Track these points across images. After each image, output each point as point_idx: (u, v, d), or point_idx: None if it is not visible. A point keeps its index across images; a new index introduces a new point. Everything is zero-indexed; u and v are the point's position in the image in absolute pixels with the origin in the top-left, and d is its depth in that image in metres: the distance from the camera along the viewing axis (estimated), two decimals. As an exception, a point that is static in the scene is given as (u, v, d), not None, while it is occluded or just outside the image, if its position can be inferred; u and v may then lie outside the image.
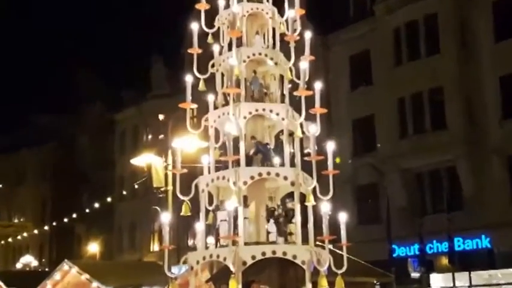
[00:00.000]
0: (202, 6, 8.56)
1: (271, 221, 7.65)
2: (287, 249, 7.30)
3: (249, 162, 7.72)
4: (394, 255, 24.03)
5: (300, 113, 8.05)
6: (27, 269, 40.16)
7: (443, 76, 25.06)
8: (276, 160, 7.92)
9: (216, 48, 8.62)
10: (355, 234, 21.54)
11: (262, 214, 7.87)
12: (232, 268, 7.01)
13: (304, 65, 8.05)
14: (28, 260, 42.58)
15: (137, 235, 39.74)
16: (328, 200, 7.63)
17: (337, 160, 27.92)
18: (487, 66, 24.76)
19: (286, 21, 8.53)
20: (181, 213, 8.00)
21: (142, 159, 18.71)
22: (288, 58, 8.39)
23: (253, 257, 7.13)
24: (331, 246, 7.85)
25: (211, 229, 7.82)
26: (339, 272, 7.36)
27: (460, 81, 24.91)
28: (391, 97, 26.56)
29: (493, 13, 24.81)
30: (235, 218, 7.29)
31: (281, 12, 8.68)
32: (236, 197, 7.42)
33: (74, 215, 37.10)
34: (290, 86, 8.53)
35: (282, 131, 8.18)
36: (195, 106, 8.21)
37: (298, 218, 7.64)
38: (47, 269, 35.30)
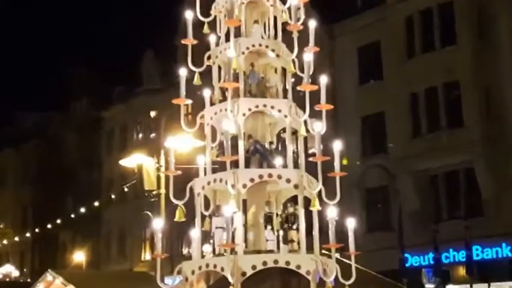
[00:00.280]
0: (198, -7, 8.57)
1: (269, 227, 7.64)
2: (290, 258, 7.29)
3: (246, 163, 7.72)
4: (407, 265, 24.00)
5: (303, 110, 8.04)
6: (7, 279, 40.12)
7: (460, 69, 25.05)
8: (278, 161, 7.92)
9: (212, 38, 8.61)
10: (364, 242, 21.52)
11: (263, 220, 7.86)
12: (230, 279, 7.00)
13: (309, 57, 8.03)
14: (8, 270, 42.54)
15: (127, 243, 39.73)
16: (335, 204, 7.61)
17: (345, 161, 28.03)
18: (507, 58, 24.74)
19: (289, 9, 8.51)
20: (175, 219, 7.98)
21: (132, 160, 18.69)
22: (291, 50, 8.37)
23: (254, 267, 7.12)
24: (338, 255, 7.84)
25: (208, 236, 7.81)
26: (347, 283, 7.35)
27: (478, 74, 24.90)
28: (403, 92, 26.55)
29: (514, 1, 24.81)
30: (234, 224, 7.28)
31: (283, 0, 8.68)
32: (234, 201, 7.41)
33: (58, 221, 37.13)
34: (293, 80, 8.51)
35: (284, 129, 8.17)
36: (189, 102, 8.19)
37: (302, 225, 7.63)
38: (28, 280, 35.26)
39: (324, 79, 7.90)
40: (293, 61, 8.40)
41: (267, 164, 7.86)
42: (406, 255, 23.95)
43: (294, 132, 8.15)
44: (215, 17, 8.65)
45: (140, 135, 39.98)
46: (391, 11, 27.36)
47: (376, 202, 27.99)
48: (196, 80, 8.38)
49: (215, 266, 7.28)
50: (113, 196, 37.03)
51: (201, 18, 8.51)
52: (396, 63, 27.00)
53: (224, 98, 8.16)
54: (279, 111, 8.06)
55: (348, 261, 7.76)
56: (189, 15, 8.23)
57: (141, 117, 39.62)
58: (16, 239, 44.16)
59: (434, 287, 23.92)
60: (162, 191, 16.94)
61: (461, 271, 23.72)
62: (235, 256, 7.16)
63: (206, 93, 8.37)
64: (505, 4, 25.03)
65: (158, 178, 17.46)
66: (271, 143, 8.18)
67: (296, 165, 7.99)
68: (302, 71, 8.12)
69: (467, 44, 25.19)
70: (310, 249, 7.62)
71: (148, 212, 20.58)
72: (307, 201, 7.74)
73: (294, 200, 7.97)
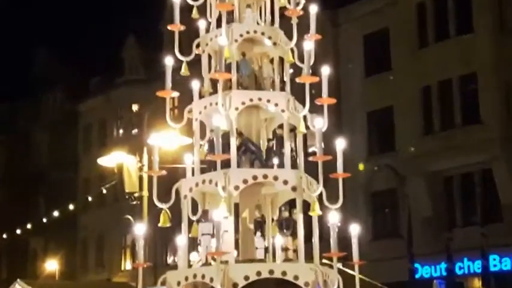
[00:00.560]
0: (186, -26, 8.58)
1: (258, 234, 7.66)
2: (287, 268, 7.33)
3: (237, 163, 7.75)
4: (417, 276, 24.08)
5: (303, 104, 8.07)
6: (-29, 291, 40.04)
7: (477, 60, 25.11)
8: (274, 161, 7.95)
9: (202, 24, 8.62)
10: (370, 251, 21.58)
11: (252, 225, 7.89)
12: (220, 291, 7.03)
13: (309, 45, 8.06)
14: (-28, 281, 42.45)
15: (105, 250, 39.71)
16: (337, 209, 7.65)
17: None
18: (530, 48, 24.80)
19: (288, -9, 8.55)
20: (159, 224, 8.01)
21: (111, 159, 18.69)
22: (290, 37, 8.40)
23: (246, 278, 7.15)
24: (340, 265, 7.88)
25: (195, 243, 7.83)
26: (350, 296, 7.41)
27: (497, 66, 24.95)
28: (413, 85, 26.61)
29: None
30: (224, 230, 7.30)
31: (281, -19, 8.70)
32: (225, 205, 7.44)
33: (29, 226, 37.02)
34: (292, 71, 8.54)
35: (281, 126, 8.19)
36: (176, 94, 8.21)
37: (300, 231, 7.67)
38: (-5, 291, 35.22)
39: (326, 70, 7.93)
40: (292, 50, 8.42)
41: (260, 164, 7.89)
42: (416, 265, 24.02)
43: (292, 129, 8.18)
44: (205, 0, 8.67)
45: (121, 131, 39.95)
46: (401, -5, 27.40)
47: (384, 206, 28.05)
48: (184, 71, 8.40)
49: (203, 277, 7.29)
50: (90, 199, 36.92)
51: (190, 2, 8.52)
52: (406, 53, 27.05)
53: (215, 91, 8.17)
54: (276, 105, 8.09)
55: (351, 272, 7.80)
56: (176, -3, 8.26)
57: (121, 111, 39.58)
58: (-19, 246, 44.00)
59: (447, 301, 23.99)
60: (145, 193, 16.96)
61: (477, 283, 23.80)
62: (226, 265, 7.18)
63: (195, 85, 8.39)
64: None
65: (140, 179, 17.46)
66: (270, 140, 8.21)
67: (294, 165, 8.02)
68: (302, 61, 8.15)
69: (485, 32, 25.23)
70: (309, 258, 7.65)
71: (129, 217, 20.60)
72: (307, 205, 7.77)
73: (290, 203, 8.01)
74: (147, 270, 7.71)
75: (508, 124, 24.70)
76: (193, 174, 8.16)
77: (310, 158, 7.82)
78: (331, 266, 7.63)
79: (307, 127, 8.09)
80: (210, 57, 8.55)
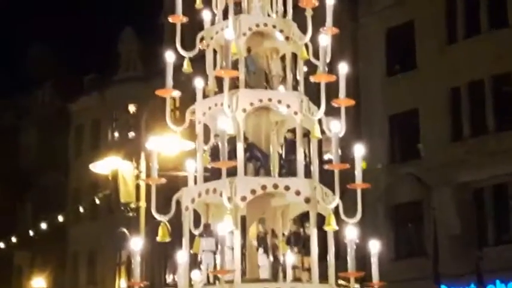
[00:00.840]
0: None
1: (261, 250, 7.63)
2: (299, 289, 7.32)
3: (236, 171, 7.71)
4: (443, 298, 24.00)
5: (318, 106, 8.05)
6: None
7: (513, 58, 25.05)
8: (285, 170, 7.94)
9: (206, 16, 8.62)
10: (391, 271, 21.47)
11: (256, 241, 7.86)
12: (224, 313, 7.02)
13: (325, 40, 8.03)
14: (-50, 299, 42.55)
15: (98, 267, 39.74)
16: (356, 223, 7.62)
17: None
18: None
19: (302, -20, 8.54)
20: (158, 239, 7.99)
21: (105, 165, 18.69)
22: (304, 31, 8.38)
23: (254, 299, 7.16)
24: (358, 287, 7.84)
25: (198, 260, 7.81)
26: (369, 320, 7.37)
27: (535, 65, 24.88)
28: (441, 86, 26.55)
29: None
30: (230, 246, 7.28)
31: (295, -30, 8.70)
32: (231, 218, 7.42)
33: (14, 239, 37.09)
34: (306, 69, 8.52)
35: (293, 130, 8.17)
36: (177, 94, 8.21)
37: (314, 248, 7.65)
38: (-25, 311, 35.29)
39: (343, 68, 7.91)
40: (306, 45, 8.41)
41: (265, 173, 7.86)
42: (442, 287, 23.93)
43: (306, 134, 8.15)
44: (210, -11, 8.68)
45: (116, 134, 40.00)
46: (428, -15, 27.38)
47: (407, 221, 27.95)
48: (186, 67, 8.40)
49: (206, 298, 7.29)
50: (81, 209, 36.99)
51: (193, -9, 8.55)
52: (433, 49, 27.00)
53: (220, 90, 8.17)
54: (288, 106, 8.07)
55: (370, 294, 7.76)
56: (178, -14, 8.28)
57: (117, 111, 39.63)
58: (-39, 260, 44.10)
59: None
60: (142, 203, 16.96)
61: (511, 308, 23.68)
62: (231, 285, 7.16)
63: (198, 83, 8.38)
64: None
65: (137, 188, 17.47)
66: (281, 145, 8.17)
67: (308, 174, 7.99)
68: (317, 57, 8.13)
69: (522, 27, 25.17)
70: (323, 278, 7.62)
71: (124, 230, 20.58)
72: (321, 219, 7.74)
73: (302, 217, 7.97)
74: (143, 290, 7.68)
75: (546, 130, 24.60)
76: (195, 183, 8.15)
77: (326, 166, 7.80)
78: None
79: (322, 131, 8.07)
80: (215, 52, 8.55)
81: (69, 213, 38.16)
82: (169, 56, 8.08)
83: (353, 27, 29.34)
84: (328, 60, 8.07)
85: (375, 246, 7.63)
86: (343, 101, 7.92)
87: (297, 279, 7.59)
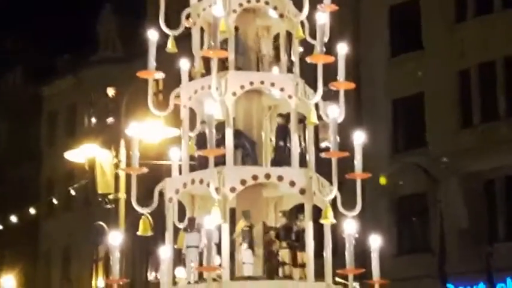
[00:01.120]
0: None
1: (245, 246, 7.66)
2: (294, 287, 7.33)
3: (224, 160, 7.72)
4: (450, 298, 24.11)
5: (315, 89, 8.06)
6: None
7: (527, 38, 25.08)
8: (280, 159, 7.96)
9: (193, -9, 8.62)
10: (394, 268, 21.56)
11: (258, 235, 7.89)
12: (212, 314, 7.07)
13: (323, 18, 8.05)
14: None
15: (73, 264, 39.75)
16: (355, 216, 7.65)
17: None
18: None
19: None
20: (139, 233, 8.01)
21: (81, 153, 18.69)
22: (300, 8, 8.39)
23: (243, 299, 7.20)
24: (357, 285, 7.89)
25: (182, 256, 7.84)
26: (369, 321, 7.43)
27: (551, 46, 24.94)
28: (449, 68, 26.58)
29: None
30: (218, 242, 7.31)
31: None
32: (219, 211, 7.44)
33: (-20, 234, 37.07)
34: (302, 49, 8.53)
35: (288, 115, 8.19)
36: (160, 76, 8.21)
37: (310, 243, 7.68)
38: None
39: (343, 48, 7.92)
40: (302, 23, 8.42)
41: (251, 162, 7.87)
42: (449, 285, 24.03)
43: (302, 120, 8.17)
44: (197, -39, 8.66)
45: (93, 120, 39.94)
46: (436, -42, 27.36)
47: (411, 214, 28.02)
48: (171, 47, 8.40)
49: (191, 297, 7.33)
50: (55, 201, 36.98)
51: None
52: (441, 28, 27.00)
53: (208, 72, 8.17)
54: (282, 90, 8.09)
55: (370, 293, 7.82)
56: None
57: (94, 95, 39.53)
58: None
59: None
60: (122, 195, 16.97)
61: (523, 308, 23.82)
62: (219, 284, 7.19)
63: (183, 64, 8.38)
64: None
65: (116, 178, 17.48)
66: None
67: (303, 163, 8.02)
68: (314, 37, 8.14)
69: (537, 4, 25.21)
70: (320, 275, 7.66)
71: (102, 223, 20.59)
72: (318, 212, 7.77)
73: (297, 209, 8.01)
74: (123, 288, 7.71)
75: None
76: (180, 172, 8.17)
77: (323, 155, 7.82)
78: (346, 286, 7.64)
79: (319, 117, 8.09)
80: (202, 31, 8.55)
81: (42, 205, 38.12)
82: (152, 35, 8.09)
83: (353, 4, 29.32)
84: (326, 40, 8.08)
85: (375, 241, 7.68)
86: (342, 83, 7.94)
87: (286, 276, 7.62)
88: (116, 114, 33.09)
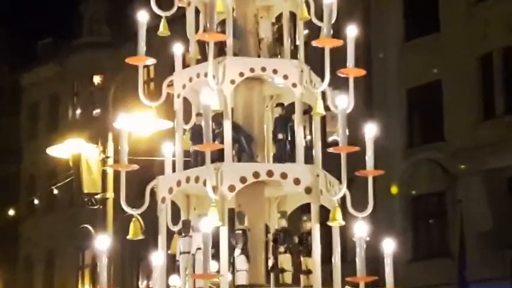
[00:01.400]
0: None
1: (238, 251, 7.65)
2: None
3: (222, 156, 7.72)
4: (471, 307, 24.13)
5: (322, 77, 8.05)
6: None
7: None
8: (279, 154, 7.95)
9: (187, -32, 8.61)
10: (409, 274, 21.58)
11: (259, 239, 7.88)
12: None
13: (331, -3, 8.04)
14: None
15: (56, 270, 39.82)
16: (366, 218, 7.64)
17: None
18: None
19: None
20: (129, 236, 8.01)
21: (65, 148, 18.72)
22: (304, -14, 8.38)
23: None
24: (369, 293, 7.89)
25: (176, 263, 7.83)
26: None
27: None
28: (469, 53, 26.57)
29: None
30: (215, 246, 7.31)
31: None
32: (216, 212, 7.43)
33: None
34: (307, 32, 8.51)
35: (288, 105, 8.18)
36: (151, 62, 8.20)
37: (316, 247, 7.67)
38: None
39: (352, 31, 7.91)
40: (307, 4, 8.40)
41: (247, 158, 7.86)
42: (470, 294, 24.06)
43: (307, 110, 8.16)
44: None
45: (78, 112, 39.98)
46: None
47: (428, 216, 28.06)
48: (163, 30, 8.38)
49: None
50: (36, 201, 37.04)
51: None
52: (460, 9, 26.99)
53: (204, 58, 8.16)
54: (285, 77, 8.07)
55: (383, 303, 7.81)
56: None
57: (79, 84, 39.57)
58: None
59: None
60: (110, 194, 16.99)
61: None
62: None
63: (177, 49, 8.37)
64: None
65: (104, 175, 17.50)
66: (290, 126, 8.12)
67: (309, 159, 8.00)
68: (320, 18, 8.12)
69: None
70: (327, 284, 7.65)
71: (88, 226, 20.62)
72: (325, 213, 7.76)
73: (302, 209, 8.00)
74: (111, 298, 7.71)
75: None
76: (174, 169, 8.16)
77: (331, 149, 7.80)
78: (356, 295, 7.64)
79: (326, 108, 8.07)
80: (197, 12, 8.53)
81: (22, 205, 38.17)
82: (142, 16, 8.06)
83: (363, -17, 29.33)
84: (333, 22, 8.05)
85: (389, 245, 7.66)
86: (351, 70, 7.92)
87: (285, 284, 7.61)
88: (103, 105, 33.17)
